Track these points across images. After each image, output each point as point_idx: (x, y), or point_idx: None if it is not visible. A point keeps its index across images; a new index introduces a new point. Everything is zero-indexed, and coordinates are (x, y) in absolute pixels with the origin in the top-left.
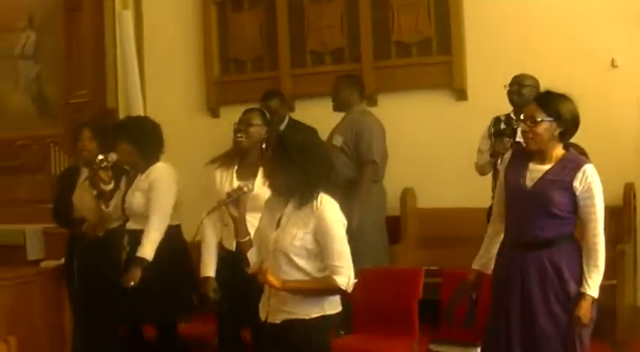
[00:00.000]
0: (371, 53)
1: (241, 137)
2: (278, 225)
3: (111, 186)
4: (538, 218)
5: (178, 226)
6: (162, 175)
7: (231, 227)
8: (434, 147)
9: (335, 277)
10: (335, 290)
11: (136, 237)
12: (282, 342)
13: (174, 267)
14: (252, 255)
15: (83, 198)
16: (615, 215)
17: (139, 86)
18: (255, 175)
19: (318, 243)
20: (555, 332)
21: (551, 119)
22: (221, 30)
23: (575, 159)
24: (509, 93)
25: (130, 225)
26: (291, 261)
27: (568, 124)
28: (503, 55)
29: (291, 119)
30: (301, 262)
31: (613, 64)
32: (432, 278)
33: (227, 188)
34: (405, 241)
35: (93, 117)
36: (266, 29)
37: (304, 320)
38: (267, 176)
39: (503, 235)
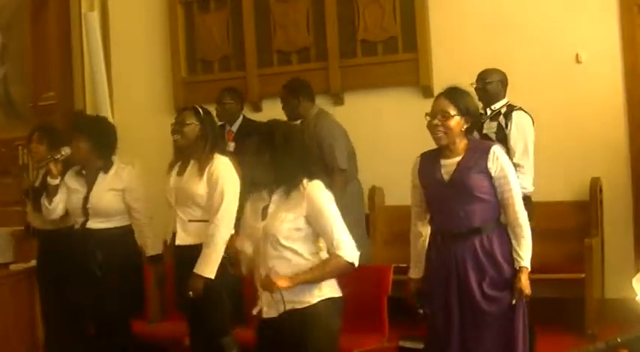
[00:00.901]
0: (337, 51)
1: (177, 137)
2: (265, 214)
3: (57, 181)
4: (463, 207)
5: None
6: (134, 175)
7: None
8: (401, 145)
9: (339, 252)
10: (344, 266)
11: (100, 236)
12: (283, 334)
13: (129, 268)
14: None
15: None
16: (582, 209)
17: (106, 87)
18: (194, 171)
19: (311, 225)
20: (498, 312)
21: (460, 114)
22: (188, 30)
23: (481, 143)
24: (476, 90)
25: (92, 224)
26: (281, 244)
27: (474, 119)
28: (469, 52)
29: (245, 117)
30: (293, 244)
31: (577, 60)
32: (400, 276)
33: (168, 186)
34: (374, 238)
35: (66, 120)
36: (232, 29)
37: (305, 308)
38: (253, 168)
39: (427, 234)
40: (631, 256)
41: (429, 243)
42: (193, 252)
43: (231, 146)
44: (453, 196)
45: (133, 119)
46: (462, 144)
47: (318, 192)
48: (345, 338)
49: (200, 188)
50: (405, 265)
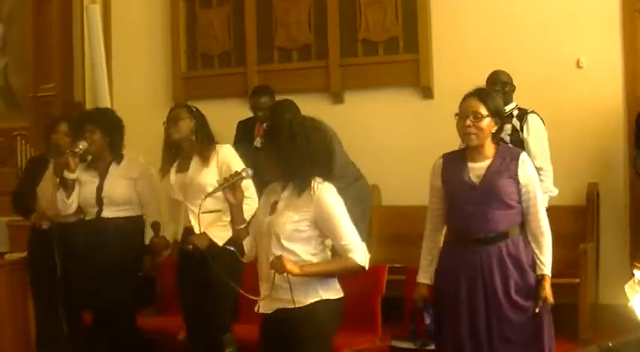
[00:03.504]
0: (338, 50)
1: (172, 130)
2: (273, 209)
3: (74, 176)
4: (490, 211)
5: (142, 217)
6: (144, 165)
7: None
8: (399, 145)
9: (351, 255)
10: (353, 268)
11: (116, 225)
12: (277, 331)
13: (137, 259)
14: (247, 244)
15: (45, 190)
16: (578, 214)
17: (106, 80)
18: (198, 164)
19: (317, 228)
20: (523, 320)
21: (491, 115)
22: (189, 25)
23: (510, 149)
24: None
25: (108, 214)
26: (281, 243)
27: (502, 121)
28: (470, 55)
29: None
30: (291, 245)
31: (578, 65)
32: (395, 276)
33: (171, 182)
34: (370, 238)
35: (65, 111)
36: (234, 25)
37: (299, 308)
38: (264, 161)
39: (443, 240)
40: (626, 262)
41: (444, 247)
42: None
43: (259, 141)
44: (482, 200)
45: (132, 112)
46: (490, 147)
47: (327, 196)
48: (337, 337)
49: (210, 178)
50: (399, 265)
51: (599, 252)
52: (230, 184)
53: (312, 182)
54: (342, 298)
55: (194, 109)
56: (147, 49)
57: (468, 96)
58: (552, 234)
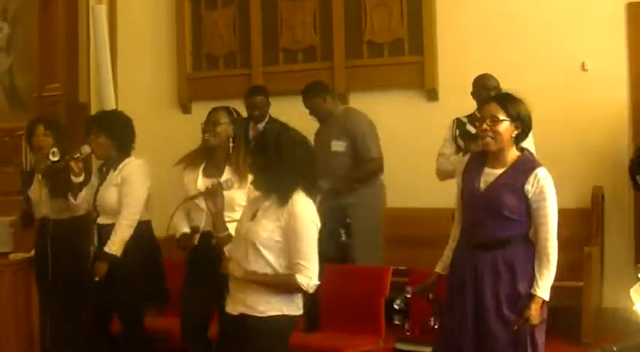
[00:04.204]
0: (343, 52)
1: (209, 136)
2: (254, 217)
3: (81, 179)
4: (490, 220)
5: (149, 222)
6: (135, 169)
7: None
8: (404, 147)
9: (297, 276)
10: (295, 288)
11: (107, 232)
12: (237, 335)
13: (142, 262)
14: (229, 251)
15: (39, 193)
16: (583, 217)
17: (111, 80)
18: (222, 173)
19: (286, 238)
20: (504, 333)
21: (510, 119)
22: (194, 26)
23: (529, 162)
24: (487, 98)
25: (101, 220)
26: (257, 251)
27: (525, 126)
28: (475, 57)
29: (271, 117)
30: (267, 254)
31: (583, 68)
32: (399, 278)
33: (193, 187)
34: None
35: (70, 112)
36: (239, 26)
37: (260, 317)
38: (250, 172)
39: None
40: (630, 266)
41: (455, 247)
42: None
43: None
44: (483, 207)
45: (137, 113)
46: (510, 156)
47: (302, 209)
48: (341, 338)
49: (241, 197)
50: (403, 268)
51: (604, 255)
52: (209, 193)
53: (295, 195)
54: (300, 315)
55: (235, 114)
56: (152, 49)
57: (489, 101)
58: (557, 237)
